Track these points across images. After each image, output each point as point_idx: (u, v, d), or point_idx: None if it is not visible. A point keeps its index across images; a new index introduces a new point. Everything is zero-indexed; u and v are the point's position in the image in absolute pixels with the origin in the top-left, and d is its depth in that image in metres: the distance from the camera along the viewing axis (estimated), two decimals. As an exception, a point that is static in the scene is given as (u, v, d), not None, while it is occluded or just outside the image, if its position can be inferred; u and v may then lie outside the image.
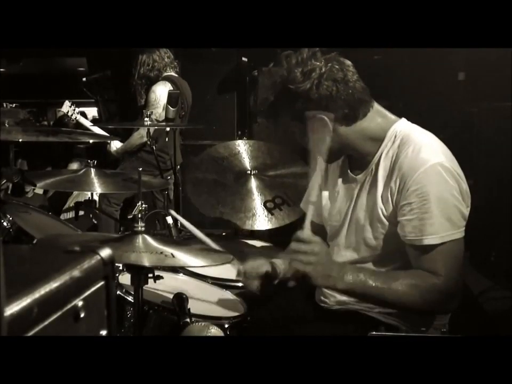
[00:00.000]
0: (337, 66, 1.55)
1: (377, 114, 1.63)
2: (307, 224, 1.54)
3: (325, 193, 1.82)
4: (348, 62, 1.59)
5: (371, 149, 1.62)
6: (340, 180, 1.76)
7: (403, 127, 1.61)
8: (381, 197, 1.59)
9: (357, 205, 1.67)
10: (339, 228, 1.75)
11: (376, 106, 1.64)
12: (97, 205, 3.36)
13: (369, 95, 1.62)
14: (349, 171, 1.71)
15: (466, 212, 1.55)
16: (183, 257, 1.53)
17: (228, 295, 1.94)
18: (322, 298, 1.79)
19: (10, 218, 2.16)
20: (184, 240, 2.37)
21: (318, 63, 1.54)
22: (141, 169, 1.69)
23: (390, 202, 1.56)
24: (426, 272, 1.50)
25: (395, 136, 1.59)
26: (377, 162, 1.61)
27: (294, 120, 1.61)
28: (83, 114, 4.50)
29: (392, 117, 1.66)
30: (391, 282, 1.49)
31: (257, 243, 2.58)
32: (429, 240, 1.49)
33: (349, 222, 1.71)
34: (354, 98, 1.57)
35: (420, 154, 1.52)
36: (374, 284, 1.49)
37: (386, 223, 1.59)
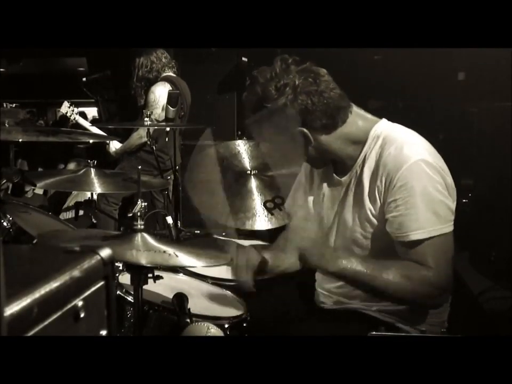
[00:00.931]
0: (310, 79, 1.56)
1: (357, 118, 1.64)
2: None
3: (310, 198, 1.83)
4: (323, 71, 1.60)
5: (354, 152, 1.63)
6: (324, 184, 1.77)
7: (384, 127, 1.62)
8: (368, 196, 1.60)
9: (344, 206, 1.68)
10: (327, 230, 1.75)
11: (356, 109, 1.65)
12: (97, 205, 3.36)
13: (347, 101, 1.63)
14: (334, 174, 1.72)
15: (453, 206, 1.56)
16: (183, 257, 1.53)
17: (228, 295, 1.94)
18: (321, 299, 1.80)
19: (10, 218, 2.15)
20: (184, 240, 2.37)
21: (291, 77, 1.55)
22: (140, 167, 1.69)
23: (378, 201, 1.57)
24: (418, 265, 1.50)
25: (377, 137, 1.60)
26: (362, 164, 1.62)
27: (276, 133, 1.64)
28: (83, 114, 4.50)
29: (373, 118, 1.67)
30: (383, 271, 1.50)
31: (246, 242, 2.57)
32: (416, 235, 1.49)
33: (337, 225, 1.71)
34: (330, 107, 1.58)
35: (403, 152, 1.53)
36: (365, 271, 1.50)
37: (375, 222, 1.60)
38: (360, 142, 1.62)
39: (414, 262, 1.51)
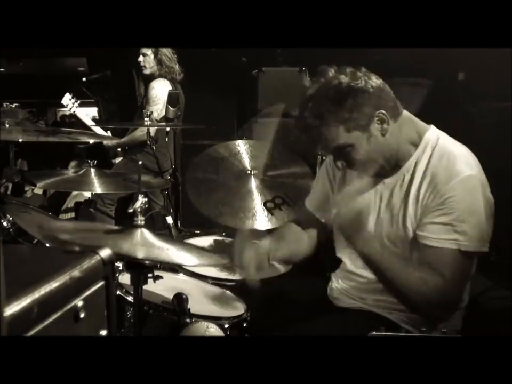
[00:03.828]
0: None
1: (407, 118, 1.65)
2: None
3: (342, 196, 1.82)
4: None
5: (407, 153, 1.63)
6: (362, 183, 1.76)
7: (435, 135, 1.63)
8: (412, 202, 1.60)
9: (383, 208, 1.68)
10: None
11: (404, 111, 1.65)
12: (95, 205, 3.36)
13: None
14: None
15: (491, 228, 1.56)
16: (180, 254, 1.53)
17: (228, 295, 1.93)
18: (335, 295, 1.82)
19: (10, 218, 2.15)
20: (183, 240, 2.37)
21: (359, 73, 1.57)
22: (140, 162, 1.69)
23: (419, 208, 1.58)
24: (435, 273, 1.51)
25: (429, 144, 1.61)
26: (411, 169, 1.61)
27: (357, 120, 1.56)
28: (74, 116, 4.48)
29: (422, 122, 1.67)
30: (406, 269, 1.52)
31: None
32: (453, 245, 1.50)
33: (374, 224, 1.70)
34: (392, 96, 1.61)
35: (456, 165, 1.53)
36: (390, 262, 1.53)
37: (411, 228, 1.60)
38: (414, 144, 1.62)
39: (431, 269, 1.52)
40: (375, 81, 1.57)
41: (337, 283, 1.87)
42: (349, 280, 1.82)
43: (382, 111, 1.56)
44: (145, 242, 1.48)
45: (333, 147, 1.60)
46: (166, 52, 3.84)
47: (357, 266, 1.77)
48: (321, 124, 1.55)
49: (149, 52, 3.83)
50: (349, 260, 1.82)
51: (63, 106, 4.27)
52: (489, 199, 1.55)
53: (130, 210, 1.52)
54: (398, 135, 1.61)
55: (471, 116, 3.47)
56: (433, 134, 1.63)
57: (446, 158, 1.56)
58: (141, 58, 3.85)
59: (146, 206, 1.55)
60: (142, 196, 1.53)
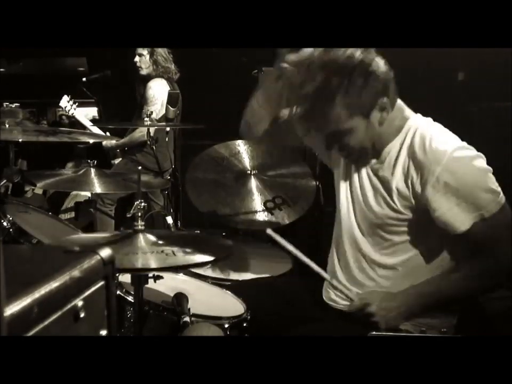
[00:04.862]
0: None
1: (399, 107, 1.66)
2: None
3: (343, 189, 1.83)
4: None
5: (392, 138, 1.65)
6: (353, 173, 1.77)
7: (419, 120, 1.65)
8: (397, 187, 1.60)
9: (368, 193, 1.69)
10: (349, 221, 1.76)
11: (398, 100, 1.67)
12: (95, 205, 3.37)
13: None
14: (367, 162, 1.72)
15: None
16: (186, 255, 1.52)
17: (228, 295, 1.93)
18: (332, 297, 1.80)
19: (10, 218, 2.15)
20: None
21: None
22: (140, 167, 1.70)
23: (411, 193, 1.58)
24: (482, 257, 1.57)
25: (411, 128, 1.62)
26: (397, 152, 1.62)
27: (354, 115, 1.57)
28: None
29: (408, 109, 1.69)
30: (449, 283, 1.60)
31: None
32: (478, 216, 1.52)
33: (360, 210, 1.72)
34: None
35: (439, 144, 1.54)
36: (437, 284, 1.61)
37: (394, 214, 1.62)
38: (399, 130, 1.64)
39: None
40: (384, 66, 1.57)
41: (329, 285, 1.86)
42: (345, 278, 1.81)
43: (385, 99, 1.58)
44: (149, 247, 1.48)
45: (331, 130, 1.60)
46: (162, 52, 3.84)
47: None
48: (328, 104, 1.54)
49: (144, 52, 3.82)
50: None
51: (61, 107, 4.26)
52: (482, 168, 1.58)
53: (129, 215, 1.53)
54: (390, 126, 1.63)
55: (471, 116, 3.47)
56: (416, 120, 1.65)
57: (428, 139, 1.56)
58: (137, 58, 3.85)
59: (146, 209, 1.56)
60: (141, 200, 1.53)
